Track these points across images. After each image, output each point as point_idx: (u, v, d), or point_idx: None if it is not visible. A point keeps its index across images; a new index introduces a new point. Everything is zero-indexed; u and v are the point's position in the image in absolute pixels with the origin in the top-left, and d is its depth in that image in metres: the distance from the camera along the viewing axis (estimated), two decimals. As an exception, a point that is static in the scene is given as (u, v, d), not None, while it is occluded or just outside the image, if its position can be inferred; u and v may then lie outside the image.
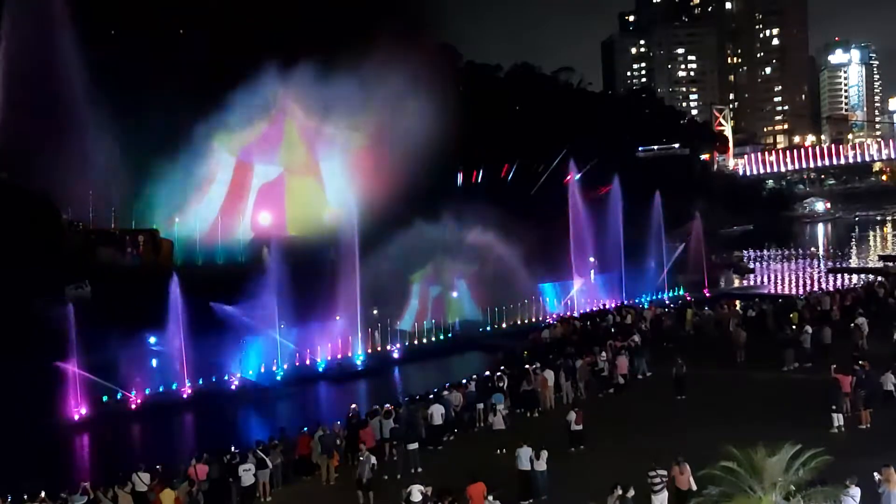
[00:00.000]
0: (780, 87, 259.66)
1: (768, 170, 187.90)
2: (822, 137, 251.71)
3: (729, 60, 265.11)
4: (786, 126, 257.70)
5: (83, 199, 58.02)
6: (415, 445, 25.35)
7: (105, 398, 38.96)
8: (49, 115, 55.61)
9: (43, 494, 21.98)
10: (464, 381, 31.93)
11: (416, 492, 19.58)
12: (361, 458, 23.36)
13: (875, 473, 17.35)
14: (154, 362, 42.79)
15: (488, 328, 53.64)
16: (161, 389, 40.52)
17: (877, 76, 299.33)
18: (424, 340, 51.14)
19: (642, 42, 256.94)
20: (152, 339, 44.42)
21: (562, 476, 22.58)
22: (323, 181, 69.75)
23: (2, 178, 53.04)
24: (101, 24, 58.59)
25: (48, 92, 55.57)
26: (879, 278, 60.89)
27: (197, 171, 65.64)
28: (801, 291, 65.46)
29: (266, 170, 69.35)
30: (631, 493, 18.62)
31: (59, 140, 56.76)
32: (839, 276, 79.91)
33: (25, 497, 22.48)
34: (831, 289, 58.79)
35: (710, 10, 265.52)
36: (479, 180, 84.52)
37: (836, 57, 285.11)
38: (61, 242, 53.17)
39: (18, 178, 53.22)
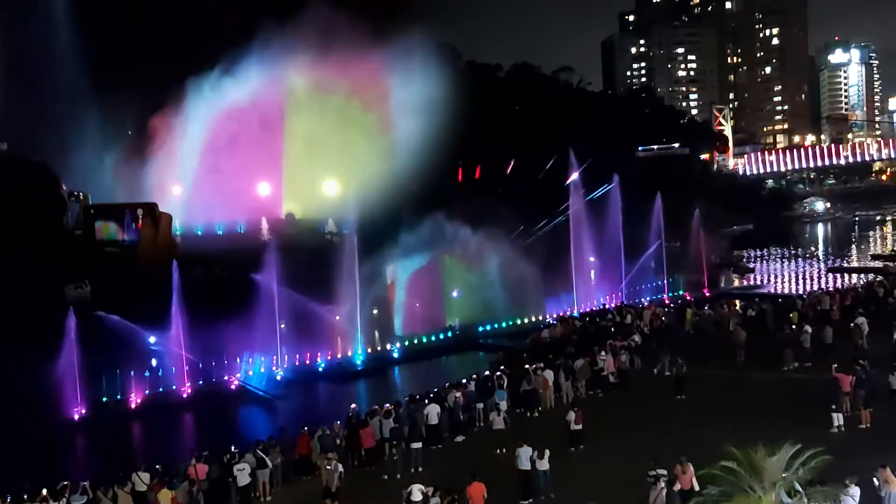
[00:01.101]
0: (779, 87, 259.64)
1: (768, 169, 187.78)
2: (822, 137, 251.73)
3: (729, 60, 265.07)
4: (786, 126, 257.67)
5: (81, 171, 58.46)
6: (418, 444, 25.35)
7: (105, 398, 39.08)
8: (48, 88, 56.00)
9: (45, 492, 22.01)
10: (464, 381, 31.92)
11: (417, 491, 19.60)
12: (329, 468, 22.99)
13: (874, 479, 17.32)
14: (154, 362, 42.82)
15: (488, 328, 53.65)
16: (161, 389, 40.59)
17: (876, 76, 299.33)
18: (424, 340, 51.13)
19: (642, 42, 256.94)
20: (152, 339, 44.47)
21: (562, 476, 22.60)
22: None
23: (1, 149, 53.25)
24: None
25: (46, 65, 55.85)
26: (879, 278, 60.86)
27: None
28: (801, 291, 65.41)
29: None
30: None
31: (58, 113, 57.09)
32: (839, 275, 79.90)
33: (25, 497, 22.49)
34: (831, 288, 58.76)
35: (710, 9, 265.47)
36: (480, 179, 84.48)
37: (836, 56, 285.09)
38: (61, 215, 53.49)
39: (18, 149, 53.41)
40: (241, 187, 66.47)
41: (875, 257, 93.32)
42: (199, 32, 62.61)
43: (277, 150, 67.98)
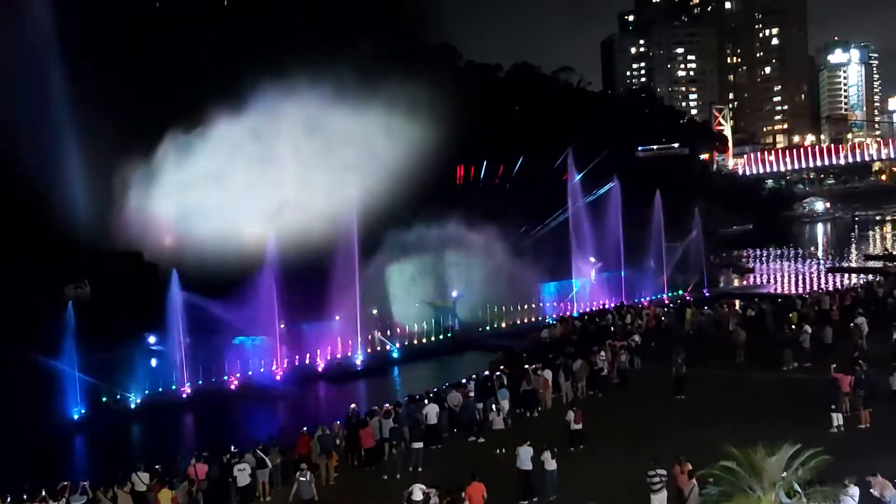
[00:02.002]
0: (779, 87, 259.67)
1: (768, 169, 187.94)
2: (822, 137, 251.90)
3: (728, 60, 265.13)
4: (785, 126, 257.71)
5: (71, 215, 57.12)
6: (419, 444, 25.36)
7: (104, 398, 39.09)
8: (34, 125, 55.74)
9: (44, 492, 22.02)
10: (464, 381, 31.91)
11: (418, 491, 19.61)
12: (302, 479, 22.39)
13: (871, 490, 17.32)
14: (154, 362, 42.81)
15: (488, 328, 53.66)
16: (160, 389, 40.60)
17: (876, 76, 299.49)
18: (424, 340, 51.13)
19: (642, 42, 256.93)
20: (152, 339, 44.47)
21: (562, 476, 22.60)
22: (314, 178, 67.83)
23: None
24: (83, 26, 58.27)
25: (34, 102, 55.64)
26: (879, 278, 60.85)
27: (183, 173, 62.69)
28: (800, 291, 65.37)
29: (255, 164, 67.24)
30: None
31: (44, 151, 56.71)
32: (838, 275, 79.90)
33: (25, 497, 22.50)
34: (831, 288, 58.74)
35: (709, 9, 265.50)
36: (479, 180, 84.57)
37: (836, 56, 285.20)
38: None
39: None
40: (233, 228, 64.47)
41: (868, 258, 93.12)
42: (187, 75, 61.68)
43: (271, 180, 65.96)
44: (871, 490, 17.28)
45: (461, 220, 57.43)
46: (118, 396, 39.34)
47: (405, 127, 65.95)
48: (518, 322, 54.40)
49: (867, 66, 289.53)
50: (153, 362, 42.76)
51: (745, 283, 78.61)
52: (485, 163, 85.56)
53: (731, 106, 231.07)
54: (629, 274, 60.49)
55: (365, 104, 67.75)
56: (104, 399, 39.01)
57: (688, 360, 31.82)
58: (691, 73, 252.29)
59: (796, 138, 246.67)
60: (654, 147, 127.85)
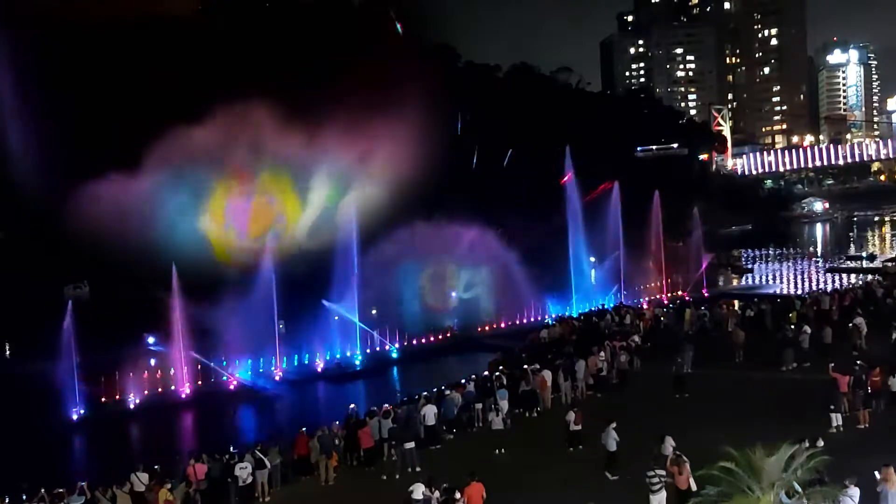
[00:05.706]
0: (778, 87, 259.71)
1: (767, 170, 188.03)
2: (821, 137, 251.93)
3: (727, 60, 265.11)
4: (784, 126, 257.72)
5: None
6: (411, 444, 25.34)
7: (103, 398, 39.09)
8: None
9: (42, 492, 22.00)
10: (463, 381, 31.91)
11: (419, 490, 19.60)
12: None
13: (875, 472, 17.34)
14: (153, 362, 42.83)
15: (487, 328, 53.62)
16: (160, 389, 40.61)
17: (875, 76, 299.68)
18: (423, 340, 51.11)
19: (641, 42, 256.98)
20: (151, 339, 44.49)
21: (561, 475, 22.63)
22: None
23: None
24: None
25: None
26: (878, 278, 60.83)
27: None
28: (799, 291, 65.34)
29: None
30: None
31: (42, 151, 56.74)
32: (837, 275, 79.86)
33: (24, 497, 22.48)
34: (830, 289, 58.72)
35: (708, 10, 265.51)
36: (478, 181, 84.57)
37: (835, 57, 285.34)
38: None
39: None
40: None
41: (849, 258, 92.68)
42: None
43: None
44: (876, 473, 17.22)
45: (459, 220, 57.41)
46: (117, 396, 39.33)
47: (404, 128, 65.97)
48: (517, 322, 54.37)
49: (866, 66, 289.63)
50: (153, 362, 42.78)
51: (742, 282, 78.59)
52: (476, 162, 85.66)
53: (730, 106, 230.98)
54: (628, 274, 60.43)
55: (363, 105, 67.81)
56: (103, 399, 38.99)
57: (691, 359, 31.76)
58: (690, 73, 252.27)
59: (795, 138, 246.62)
60: (654, 147, 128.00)
